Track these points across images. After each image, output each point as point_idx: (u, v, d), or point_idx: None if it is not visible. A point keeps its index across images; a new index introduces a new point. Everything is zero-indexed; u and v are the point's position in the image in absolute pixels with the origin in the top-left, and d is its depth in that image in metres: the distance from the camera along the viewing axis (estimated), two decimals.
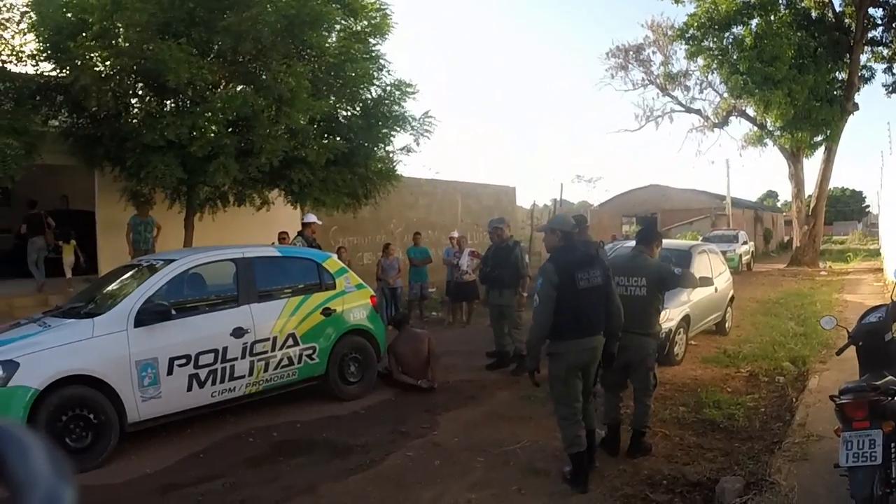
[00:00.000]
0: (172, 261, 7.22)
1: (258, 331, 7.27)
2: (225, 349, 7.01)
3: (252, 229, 13.15)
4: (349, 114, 12.36)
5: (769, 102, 24.12)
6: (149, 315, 6.54)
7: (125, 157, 10.28)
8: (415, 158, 72.86)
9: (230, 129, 10.33)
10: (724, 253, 13.76)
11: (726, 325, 12.37)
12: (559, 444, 5.73)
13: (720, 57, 25.98)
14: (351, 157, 12.05)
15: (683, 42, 27.00)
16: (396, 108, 12.50)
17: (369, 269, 14.96)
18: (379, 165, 12.83)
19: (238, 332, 7.11)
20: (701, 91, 30.11)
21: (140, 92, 10.75)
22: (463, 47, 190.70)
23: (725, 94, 28.17)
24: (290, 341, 7.58)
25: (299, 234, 11.35)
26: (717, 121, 29.86)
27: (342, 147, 11.43)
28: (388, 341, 8.97)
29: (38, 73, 10.62)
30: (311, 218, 11.46)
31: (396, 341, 8.95)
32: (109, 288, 7.45)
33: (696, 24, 26.02)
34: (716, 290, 11.17)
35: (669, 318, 9.37)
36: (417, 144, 13.00)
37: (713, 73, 27.47)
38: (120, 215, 12.63)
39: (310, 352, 7.78)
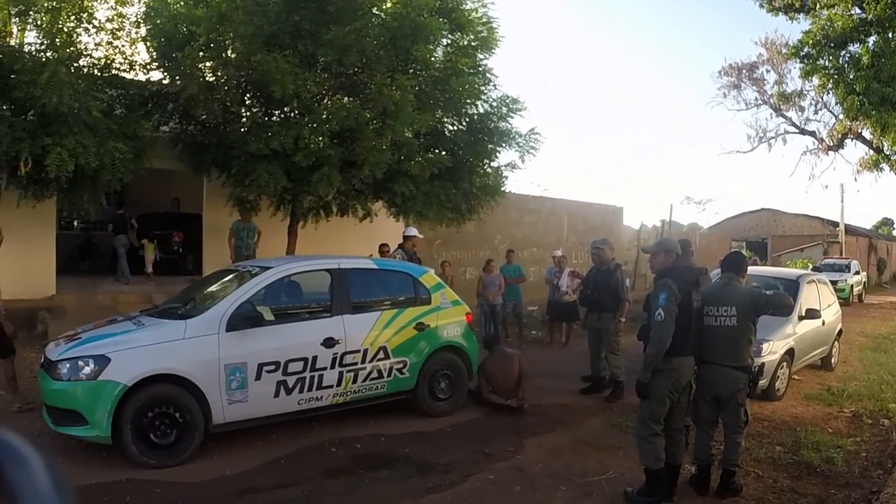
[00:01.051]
0: (269, 268, 7.30)
1: (349, 342, 7.25)
2: (315, 358, 7.01)
3: (354, 240, 13.30)
4: (454, 128, 12.33)
5: (886, 125, 22.69)
6: (241, 320, 6.61)
7: (231, 165, 10.58)
8: (522, 175, 72.45)
9: (334, 141, 10.44)
10: (834, 283, 13.00)
11: (832, 360, 11.71)
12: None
13: (836, 76, 24.61)
14: (455, 172, 12.01)
15: (798, 60, 25.75)
16: (503, 123, 12.39)
17: (472, 284, 14.83)
18: (483, 181, 12.71)
19: (329, 343, 7.11)
20: (816, 112, 29.01)
21: (247, 102, 11.02)
22: (575, 66, 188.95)
23: (841, 116, 26.69)
24: (381, 354, 7.53)
25: (400, 246, 11.40)
26: (831, 143, 28.43)
27: (446, 161, 11.41)
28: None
29: (149, 80, 11.07)
30: (412, 231, 11.50)
31: (487, 361, 8.78)
32: (206, 291, 7.62)
33: (811, 41, 24.80)
34: (823, 322, 10.57)
35: (772, 350, 8.96)
36: (523, 161, 12.86)
37: (828, 93, 26.02)
38: (225, 220, 13.04)
39: (400, 366, 7.71)
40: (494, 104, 12.35)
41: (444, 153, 11.84)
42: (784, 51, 27.34)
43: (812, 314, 9.89)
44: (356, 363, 7.32)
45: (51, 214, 12.24)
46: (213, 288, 7.60)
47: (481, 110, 12.42)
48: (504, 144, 12.42)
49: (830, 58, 25.01)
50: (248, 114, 10.70)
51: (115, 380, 5.95)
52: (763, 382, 8.75)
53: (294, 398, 6.95)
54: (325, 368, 7.09)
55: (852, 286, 26.04)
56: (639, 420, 5.68)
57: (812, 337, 10.31)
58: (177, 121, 11.66)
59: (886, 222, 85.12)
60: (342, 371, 7.22)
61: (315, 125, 10.00)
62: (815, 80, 25.70)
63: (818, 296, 10.85)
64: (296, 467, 6.36)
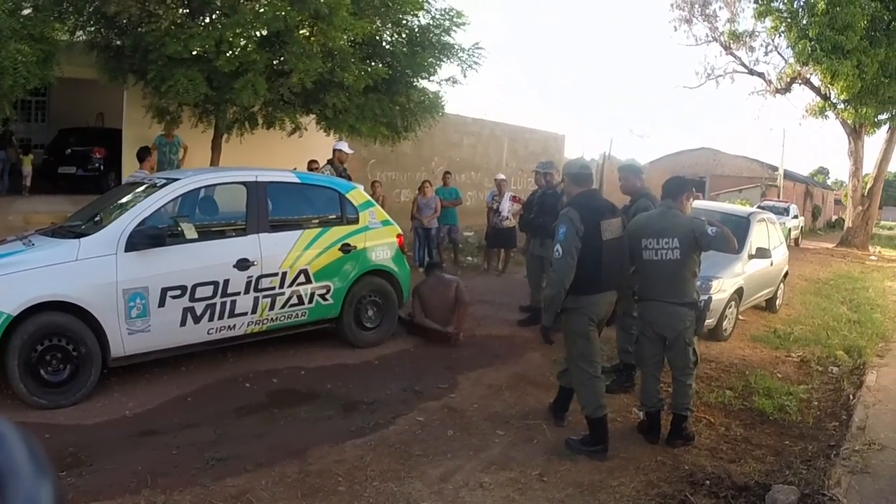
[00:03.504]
0: (176, 180, 6.46)
1: (266, 264, 6.51)
2: (226, 282, 6.27)
3: (284, 156, 12.32)
4: (393, 39, 11.36)
5: (836, 72, 22.44)
6: (142, 239, 5.81)
7: (148, 70, 9.54)
8: (463, 98, 71.05)
9: (263, 47, 9.48)
10: None
11: (777, 302, 11.34)
12: None
13: (789, 20, 24.21)
14: (392, 86, 11.09)
15: (752, 0, 25.33)
16: (445, 37, 11.49)
17: (406, 207, 13.99)
18: (422, 97, 11.85)
19: (243, 264, 6.35)
20: (766, 54, 28.37)
21: (168, 1, 9.90)
22: None
23: (791, 60, 26.26)
24: (302, 278, 6.80)
25: (328, 162, 10.50)
26: (779, 87, 28.10)
27: (383, 73, 10.44)
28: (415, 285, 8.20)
29: None
30: (342, 146, 10.57)
31: (422, 285, 8.17)
32: (108, 207, 6.71)
33: None
34: (771, 263, 10.15)
35: (722, 288, 8.53)
36: (465, 76, 11.99)
37: (780, 35, 25.60)
38: (146, 133, 12.01)
39: (323, 291, 7.00)
40: (437, 16, 11.41)
41: (381, 66, 10.87)
42: None
43: (762, 253, 9.50)
44: (273, 288, 6.60)
45: None
46: (116, 204, 6.66)
47: (423, 22, 11.50)
48: (445, 58, 11.51)
49: (785, 1, 24.57)
50: (167, 14, 9.53)
51: None
52: (710, 322, 8.34)
53: (203, 327, 6.23)
54: (238, 293, 6.37)
55: (790, 230, 26.15)
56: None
57: (760, 277, 9.93)
58: (93, 25, 10.44)
59: (822, 171, 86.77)
60: (258, 297, 6.50)
61: (240, 28, 9.01)
62: (768, 22, 25.31)
63: (768, 235, 10.43)
64: (204, 405, 5.72)
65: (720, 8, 28.61)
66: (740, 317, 9.64)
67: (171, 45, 8.92)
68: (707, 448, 5.25)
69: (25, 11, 9.43)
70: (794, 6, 24.29)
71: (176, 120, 11.29)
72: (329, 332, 7.38)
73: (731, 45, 28.61)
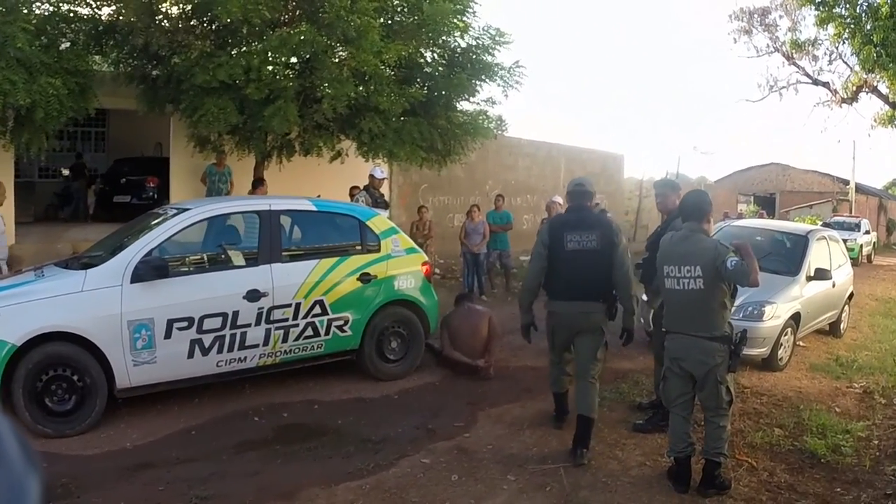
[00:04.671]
0: (186, 210, 6.31)
1: (278, 295, 6.27)
2: (236, 313, 6.07)
3: (326, 183, 12.17)
4: (432, 61, 11.11)
5: None
6: (148, 270, 5.70)
7: (181, 99, 9.54)
8: (516, 119, 70.18)
9: (292, 72, 9.37)
10: (843, 241, 11.73)
11: (841, 325, 10.52)
12: (616, 465, 5.02)
13: (853, 25, 23.11)
14: (430, 108, 10.84)
15: (813, 7, 24.27)
16: (486, 56, 11.19)
17: (459, 232, 13.70)
18: (462, 118, 11.54)
19: (253, 295, 6.14)
20: (830, 62, 27.09)
21: (195, 30, 9.89)
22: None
23: (856, 67, 25.13)
24: (318, 309, 6.53)
25: (364, 188, 10.26)
26: (845, 96, 26.78)
27: (419, 96, 10.20)
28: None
29: (97, 15, 10.07)
30: (378, 172, 10.33)
31: (452, 315, 7.78)
32: (124, 238, 6.60)
33: None
34: (833, 284, 9.43)
35: (776, 314, 7.92)
36: (506, 96, 11.66)
37: (844, 42, 24.41)
38: (191, 162, 12.11)
39: (341, 322, 6.71)
40: (477, 36, 11.13)
41: (418, 87, 10.61)
42: None
43: (822, 275, 8.82)
44: (286, 319, 6.35)
45: (6, 160, 11.26)
46: (129, 234, 6.56)
47: (464, 43, 11.23)
48: (486, 77, 11.19)
49: (847, 5, 23.60)
50: (196, 44, 9.51)
51: (1, 338, 5.15)
52: (764, 351, 7.81)
53: (212, 359, 6.04)
54: (248, 325, 6.16)
55: (862, 246, 24.98)
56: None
57: (821, 300, 9.20)
58: (133, 58, 10.56)
59: None
60: (269, 328, 6.27)
61: (270, 55, 8.90)
62: (831, 29, 24.18)
63: (829, 254, 9.72)
64: (207, 439, 5.54)
65: (780, 17, 27.77)
66: (800, 343, 9.00)
67: (200, 75, 8.91)
68: (744, 498, 4.69)
69: (63, 46, 9.57)
70: (857, 11, 23.23)
71: (218, 148, 11.28)
72: (353, 364, 7.09)
73: (794, 55, 27.60)
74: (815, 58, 27.45)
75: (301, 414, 6.12)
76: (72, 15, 9.83)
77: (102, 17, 10.08)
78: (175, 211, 6.40)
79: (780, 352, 8.17)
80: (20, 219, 14.07)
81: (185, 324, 5.84)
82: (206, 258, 6.39)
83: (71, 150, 17.73)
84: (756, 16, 27.87)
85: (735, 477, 4.96)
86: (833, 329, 10.39)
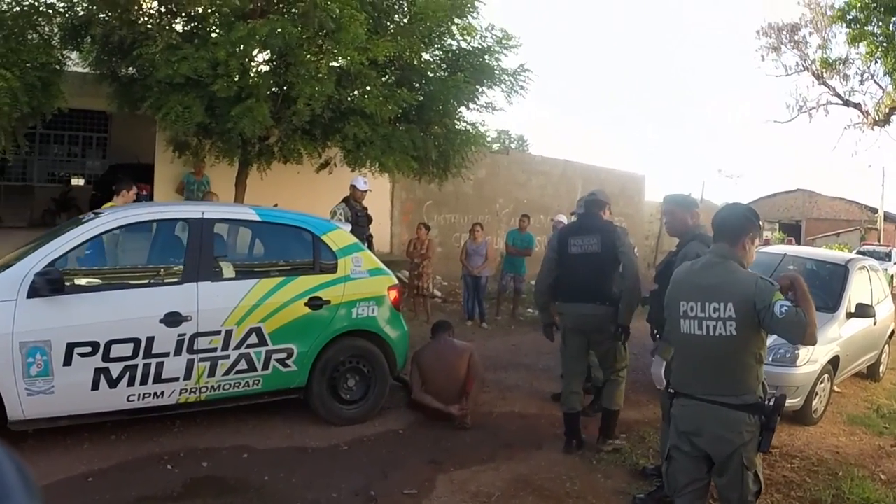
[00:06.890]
0: (100, 214, 5.35)
1: (203, 320, 5.27)
2: (150, 340, 5.10)
3: (317, 194, 11.21)
4: (427, 62, 10.13)
5: None
6: (45, 284, 4.75)
7: (146, 97, 8.66)
8: (538, 139, 69.49)
9: (268, 70, 8.43)
10: None
11: (880, 368, 9.28)
12: None
13: (885, 44, 22.03)
14: (424, 113, 9.84)
15: (844, 24, 23.18)
16: (491, 60, 10.21)
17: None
18: (462, 125, 10.54)
19: (173, 319, 5.15)
20: (862, 83, 26.00)
21: (161, 20, 9.00)
22: (594, 20, 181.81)
23: (889, 88, 24.06)
24: (254, 338, 5.49)
25: (344, 200, 9.16)
26: (878, 118, 25.59)
27: (410, 99, 9.20)
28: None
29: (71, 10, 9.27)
30: (360, 182, 9.19)
31: (425, 350, 6.62)
32: (31, 247, 5.65)
33: (858, 4, 22.17)
34: (874, 322, 8.21)
35: (812, 359, 6.74)
36: (510, 103, 10.69)
37: (876, 62, 23.35)
38: (172, 168, 11.27)
39: (283, 356, 5.65)
40: (480, 37, 10.17)
41: (410, 90, 9.59)
42: (830, 13, 24.62)
43: (863, 312, 7.63)
44: (214, 349, 5.34)
45: None
46: (37, 243, 5.59)
47: (467, 46, 10.27)
48: (488, 82, 10.17)
49: (880, 24, 22.53)
50: (162, 35, 8.56)
51: None
52: (797, 402, 6.64)
53: (122, 392, 5.07)
54: (166, 354, 5.18)
55: (893, 276, 23.57)
56: None
57: (861, 340, 8.02)
58: (104, 54, 9.72)
59: None
60: (193, 359, 5.27)
61: (240, 47, 7.97)
62: (863, 48, 23.15)
63: (870, 287, 8.53)
64: (104, 489, 4.58)
65: (810, 34, 26.72)
66: (836, 389, 7.83)
67: (162, 69, 8.00)
68: None
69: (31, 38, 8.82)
70: (891, 29, 22.14)
71: (197, 154, 10.37)
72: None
73: (824, 74, 26.51)
74: (847, 77, 26.37)
75: (224, 464, 5.08)
76: (49, 12, 9.09)
77: (80, 12, 9.24)
78: (91, 216, 5.44)
79: (814, 402, 7.02)
80: (11, 223, 13.39)
81: (88, 349, 4.90)
82: (119, 273, 5.40)
83: (74, 155, 17.49)
84: (785, 32, 26.86)
85: None
86: (871, 372, 9.18)
